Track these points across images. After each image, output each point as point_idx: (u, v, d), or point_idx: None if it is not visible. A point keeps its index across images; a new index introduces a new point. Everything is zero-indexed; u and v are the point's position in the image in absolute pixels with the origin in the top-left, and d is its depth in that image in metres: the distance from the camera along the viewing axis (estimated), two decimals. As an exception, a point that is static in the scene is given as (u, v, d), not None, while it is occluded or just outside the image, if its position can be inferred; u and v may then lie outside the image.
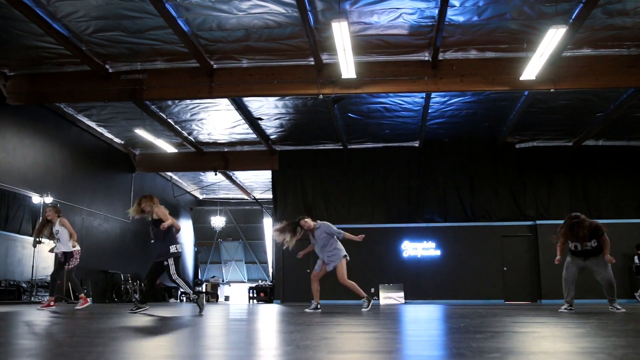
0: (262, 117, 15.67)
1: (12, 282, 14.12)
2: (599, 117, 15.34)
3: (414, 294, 17.20)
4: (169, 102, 14.45)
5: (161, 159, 19.01)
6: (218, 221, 22.99)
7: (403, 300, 16.97)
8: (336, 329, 4.25)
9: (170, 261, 7.61)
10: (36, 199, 14.32)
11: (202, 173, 21.65)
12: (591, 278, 8.89)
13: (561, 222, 17.04)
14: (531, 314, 7.60)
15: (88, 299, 10.01)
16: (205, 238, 24.08)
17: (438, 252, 17.75)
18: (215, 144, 18.15)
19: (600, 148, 17.68)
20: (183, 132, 16.76)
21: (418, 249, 17.80)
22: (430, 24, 10.83)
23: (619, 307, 8.31)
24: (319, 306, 9.12)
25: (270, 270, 22.41)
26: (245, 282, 24.23)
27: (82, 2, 10.03)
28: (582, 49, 11.79)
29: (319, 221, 9.54)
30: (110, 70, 12.80)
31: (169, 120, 15.68)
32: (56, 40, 11.20)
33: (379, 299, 16.95)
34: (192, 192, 24.33)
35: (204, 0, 9.89)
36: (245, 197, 24.87)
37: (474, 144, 17.83)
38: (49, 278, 14.96)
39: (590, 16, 10.17)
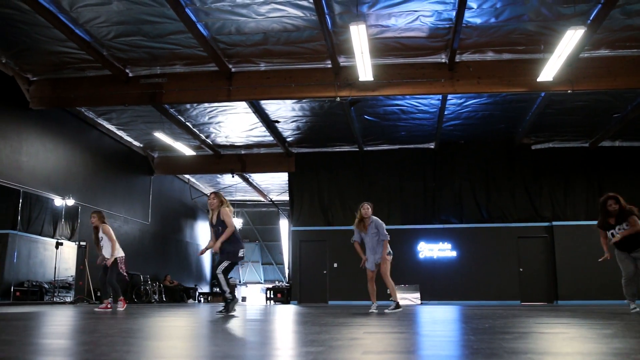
0: (279, 120, 15.69)
1: (34, 283, 14.26)
2: (616, 118, 15.20)
3: (430, 295, 17.13)
4: (187, 106, 14.51)
5: (179, 162, 19.10)
6: (235, 223, 23.06)
7: (419, 301, 16.91)
8: (362, 330, 4.23)
9: (227, 262, 7.59)
10: (58, 201, 14.44)
11: (219, 175, 21.71)
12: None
13: (577, 223, 17.09)
14: (551, 314, 7.53)
15: (111, 304, 9.84)
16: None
17: (454, 253, 17.68)
18: (232, 146, 18.20)
19: (617, 149, 17.51)
20: (201, 135, 16.83)
21: (434, 250, 17.74)
22: (448, 26, 10.79)
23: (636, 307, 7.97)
24: (376, 306, 8.78)
25: (287, 271, 22.42)
26: (262, 283, 24.28)
27: (104, 8, 10.11)
28: (600, 50, 11.69)
29: (373, 216, 8.93)
30: (130, 75, 12.88)
31: (187, 123, 15.75)
32: (78, 45, 11.31)
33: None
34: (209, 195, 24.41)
35: (223, 4, 9.92)
36: (262, 199, 24.92)
37: (489, 145, 17.74)
38: (70, 279, 15.14)
39: (609, 17, 10.09)
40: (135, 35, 11.16)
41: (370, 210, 8.81)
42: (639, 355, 2.54)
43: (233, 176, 19.78)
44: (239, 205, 24.77)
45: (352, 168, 18.51)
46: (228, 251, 7.61)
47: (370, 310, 8.50)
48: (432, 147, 18.05)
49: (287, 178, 19.57)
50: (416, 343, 3.24)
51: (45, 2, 9.86)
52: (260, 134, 16.87)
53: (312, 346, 3.00)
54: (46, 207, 14.60)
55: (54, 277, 14.56)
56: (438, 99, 14.07)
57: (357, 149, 18.29)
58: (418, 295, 17.05)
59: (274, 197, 24.44)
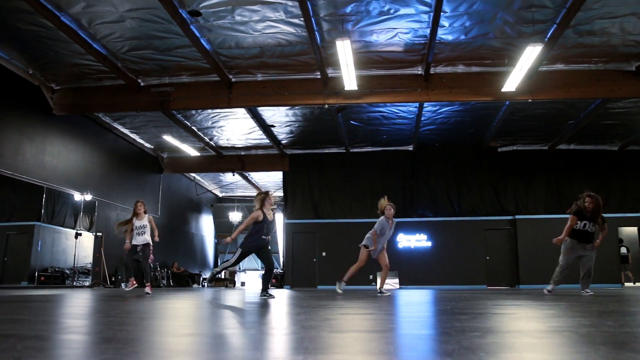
0: (275, 125, 15.74)
1: (57, 269, 14.30)
2: (570, 124, 15.33)
3: (407, 281, 17.23)
4: (193, 112, 14.52)
5: (186, 162, 19.11)
6: (235, 216, 23.11)
7: (398, 286, 16.99)
8: (338, 311, 4.29)
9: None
10: (77, 196, 14.46)
11: (221, 174, 21.73)
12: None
13: (538, 217, 17.22)
14: (510, 297, 7.62)
15: (134, 284, 9.78)
16: (224, 231, 24.18)
17: (429, 244, 17.78)
18: (233, 148, 18.22)
19: (572, 151, 17.66)
20: (205, 137, 16.85)
21: (411, 240, 17.83)
22: (423, 42, 10.88)
23: (590, 292, 8.17)
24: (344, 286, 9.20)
25: (281, 259, 22.46)
26: (259, 269, 24.30)
27: (118, 25, 10.13)
28: (556, 64, 11.81)
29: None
30: (142, 84, 12.89)
31: (192, 127, 15.77)
32: (96, 58, 11.32)
33: (377, 285, 16.98)
34: (212, 191, 24.42)
35: (223, 22, 9.97)
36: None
37: (461, 148, 17.84)
38: (88, 266, 15.15)
39: (563, 36, 10.21)
40: (146, 49, 11.18)
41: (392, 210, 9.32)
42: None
43: (234, 175, 19.81)
44: (239, 200, 24.77)
45: (340, 168, 18.57)
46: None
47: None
48: (411, 149, 18.13)
49: (281, 176, 19.60)
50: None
51: (67, 20, 9.88)
52: (257, 137, 16.91)
53: (289, 326, 3.07)
54: (67, 201, 14.63)
55: (74, 264, 14.59)
56: (415, 107, 14.15)
57: (344, 151, 18.35)
58: (397, 280, 17.14)
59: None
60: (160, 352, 1.91)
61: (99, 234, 15.00)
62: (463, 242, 17.48)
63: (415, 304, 5.79)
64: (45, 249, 14.26)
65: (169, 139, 15.74)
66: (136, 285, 9.82)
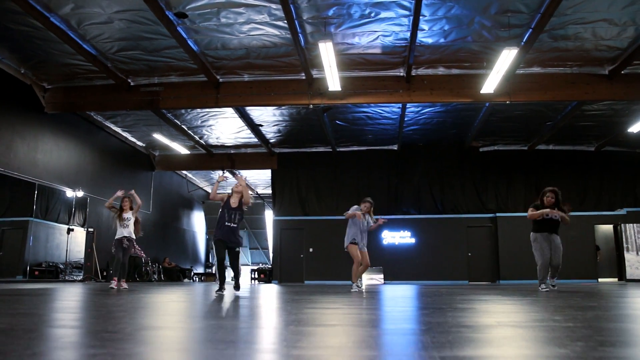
0: (263, 124, 15.73)
1: (51, 264, 14.25)
2: (548, 125, 15.44)
3: (392, 276, 17.28)
4: (182, 111, 14.49)
5: (177, 160, 19.06)
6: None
7: (382, 281, 17.05)
8: (321, 307, 4.27)
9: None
10: (69, 193, 14.40)
11: (212, 172, 21.69)
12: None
13: (517, 214, 17.33)
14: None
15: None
16: (215, 227, 24.18)
17: (413, 240, 17.84)
18: (223, 146, 18.20)
19: (550, 151, 17.79)
20: (195, 136, 16.81)
21: (396, 237, 17.88)
22: (404, 44, 10.91)
23: (554, 286, 7.95)
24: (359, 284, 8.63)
25: (271, 255, 22.48)
26: (249, 265, 24.31)
27: (107, 26, 10.09)
28: (533, 67, 11.89)
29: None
30: (132, 84, 12.85)
31: (182, 126, 15.74)
32: (86, 58, 11.27)
33: (361, 280, 17.03)
34: (204, 188, 24.38)
35: (209, 24, 9.95)
36: (250, 192, 24.90)
37: (444, 147, 17.91)
38: (81, 260, 15.08)
39: (538, 40, 10.28)
40: (135, 49, 11.14)
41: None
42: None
43: (223, 172, 19.74)
44: (230, 197, 24.74)
45: (327, 166, 18.59)
46: (237, 242, 7.21)
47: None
48: (395, 148, 18.19)
49: (270, 174, 19.60)
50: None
51: (56, 21, 9.82)
52: (246, 136, 16.89)
53: (276, 321, 3.09)
54: (61, 198, 14.57)
55: (66, 260, 14.53)
56: (398, 107, 14.19)
57: (331, 150, 18.38)
58: (382, 276, 17.20)
59: (260, 190, 24.47)
60: (149, 346, 1.90)
61: (90, 229, 14.95)
62: (446, 239, 17.55)
63: (390, 298, 5.83)
64: (39, 244, 14.19)
65: (159, 137, 15.69)
66: (123, 285, 9.58)
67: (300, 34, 10.29)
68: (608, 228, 17.05)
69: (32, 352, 1.64)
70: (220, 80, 12.57)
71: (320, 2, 9.24)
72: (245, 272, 23.61)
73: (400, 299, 5.54)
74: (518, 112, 14.47)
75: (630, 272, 15.99)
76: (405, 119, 15.16)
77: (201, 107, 13.44)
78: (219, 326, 2.60)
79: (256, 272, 19.43)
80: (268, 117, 15.08)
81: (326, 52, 9.91)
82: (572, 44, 10.65)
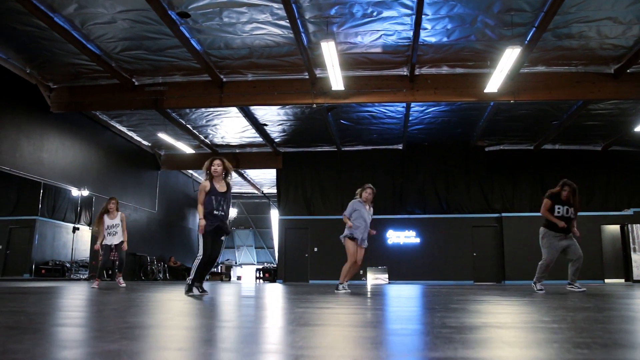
0: (267, 124, 15.75)
1: (57, 262, 14.36)
2: (554, 125, 15.33)
3: (396, 276, 17.26)
4: (187, 110, 14.54)
5: (182, 159, 19.13)
6: (230, 212, 23.15)
7: (387, 281, 17.03)
8: (324, 307, 4.25)
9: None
10: (75, 192, 14.50)
11: (218, 171, 21.68)
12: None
13: (523, 214, 17.24)
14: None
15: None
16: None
17: (418, 240, 17.80)
18: (228, 145, 18.24)
19: (557, 151, 17.68)
20: (200, 135, 16.86)
21: (401, 237, 17.85)
22: (407, 43, 10.87)
23: (579, 286, 7.41)
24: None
25: (276, 254, 22.53)
26: (255, 264, 24.38)
27: (110, 26, 10.14)
28: (538, 66, 11.81)
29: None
30: (136, 83, 12.91)
31: (187, 125, 15.79)
32: (90, 58, 11.33)
33: (366, 280, 17.06)
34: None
35: (212, 23, 9.97)
36: (256, 191, 25.00)
37: (449, 147, 17.85)
38: (88, 259, 15.18)
39: (542, 39, 10.21)
40: (138, 49, 11.19)
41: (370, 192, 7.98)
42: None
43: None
44: (235, 197, 24.81)
45: (332, 165, 18.59)
46: (225, 229, 6.32)
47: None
48: (400, 148, 18.15)
49: (275, 173, 19.62)
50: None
51: (60, 21, 9.89)
52: (251, 135, 16.92)
53: (282, 320, 3.09)
54: (68, 197, 14.68)
55: (71, 258, 14.64)
56: (403, 107, 14.15)
57: (336, 149, 18.37)
58: (386, 275, 17.18)
59: (266, 190, 24.51)
60: (151, 345, 1.91)
61: (95, 228, 15.02)
62: (451, 239, 17.49)
63: (401, 298, 5.81)
64: (46, 243, 14.32)
65: (164, 136, 15.75)
66: (121, 283, 9.56)
67: (302, 34, 10.29)
68: (615, 228, 16.90)
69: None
70: (224, 79, 12.59)
71: (322, 1, 9.23)
72: (250, 272, 23.68)
73: (395, 299, 5.52)
74: (523, 112, 14.38)
75: (637, 273, 15.86)
76: (410, 119, 15.13)
77: (205, 107, 13.47)
78: (225, 327, 2.60)
79: (261, 272, 19.46)
80: (272, 116, 15.09)
81: (328, 51, 9.90)
82: (576, 43, 10.57)
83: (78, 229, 14.82)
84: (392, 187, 18.33)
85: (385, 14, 9.67)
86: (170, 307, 3.99)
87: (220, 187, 6.20)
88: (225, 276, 21.53)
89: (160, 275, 17.84)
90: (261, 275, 19.34)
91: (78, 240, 14.92)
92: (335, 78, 11.07)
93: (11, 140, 11.95)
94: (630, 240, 16.14)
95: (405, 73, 12.18)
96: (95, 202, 15.29)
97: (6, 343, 1.80)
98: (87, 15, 9.74)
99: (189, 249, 22.79)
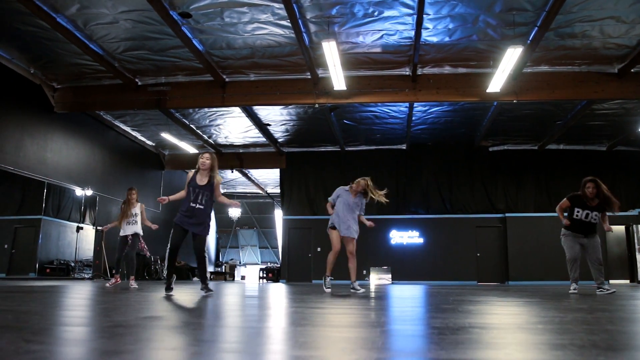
0: (270, 124, 15.77)
1: (62, 262, 14.44)
2: (558, 125, 15.26)
3: (400, 276, 17.24)
4: (190, 110, 14.59)
5: (186, 159, 19.17)
6: (234, 212, 23.18)
7: (390, 281, 17.02)
8: (327, 307, 4.25)
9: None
10: (79, 191, 14.58)
11: (221, 171, 21.75)
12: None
13: (527, 214, 17.17)
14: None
15: (119, 279, 9.62)
16: (225, 226, 24.31)
17: (421, 240, 17.76)
18: (231, 145, 18.27)
19: (561, 151, 17.59)
20: (204, 135, 16.91)
21: (404, 237, 17.83)
22: (409, 43, 10.85)
23: (609, 288, 7.13)
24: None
25: (281, 254, 22.57)
26: (259, 264, 24.42)
27: (113, 26, 10.20)
28: (540, 66, 11.75)
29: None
30: (139, 83, 12.96)
31: (191, 125, 15.84)
32: (93, 58, 11.39)
33: (369, 280, 17.06)
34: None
35: (214, 23, 10.00)
36: (260, 191, 25.03)
37: (453, 147, 17.80)
38: (91, 258, 15.25)
39: (545, 38, 10.16)
40: (141, 49, 11.23)
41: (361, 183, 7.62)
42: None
43: (232, 172, 19.89)
44: (239, 197, 24.85)
45: (335, 165, 18.57)
46: (205, 225, 6.07)
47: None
48: (404, 148, 18.12)
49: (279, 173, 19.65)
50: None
51: (63, 22, 9.95)
52: (255, 135, 16.95)
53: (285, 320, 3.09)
54: (73, 196, 14.77)
55: (75, 258, 14.72)
56: (406, 107, 14.13)
57: (339, 149, 18.36)
58: (390, 275, 17.17)
59: (270, 190, 24.54)
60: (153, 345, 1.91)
61: (99, 227, 15.12)
62: (454, 239, 17.45)
63: (402, 298, 5.80)
64: (50, 242, 14.41)
65: (167, 136, 15.81)
66: (132, 284, 9.61)
67: (304, 33, 10.29)
68: (620, 229, 16.80)
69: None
70: (227, 79, 12.62)
71: (323, 1, 9.23)
72: (254, 272, 23.72)
73: (391, 300, 5.52)
74: (527, 111, 14.32)
75: (642, 274, 15.75)
76: (413, 118, 15.10)
77: (208, 107, 13.52)
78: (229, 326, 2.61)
79: (264, 272, 19.50)
80: (275, 116, 15.11)
81: (330, 51, 9.89)
82: (579, 42, 10.51)
83: (82, 228, 14.90)
84: (395, 187, 18.28)
85: (387, 13, 9.66)
86: (168, 305, 4.01)
87: (201, 180, 6.05)
88: (229, 276, 21.58)
89: (164, 275, 17.89)
90: (264, 275, 19.37)
91: (82, 239, 15.00)
92: (337, 78, 11.07)
93: (15, 140, 12.03)
94: (636, 240, 16.04)
95: (407, 73, 12.16)
96: (99, 201, 15.37)
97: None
98: (89, 15, 9.80)
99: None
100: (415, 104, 13.71)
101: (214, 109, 14.43)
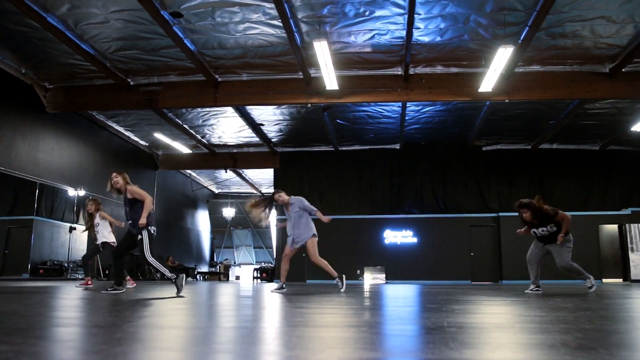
0: (263, 123, 15.75)
1: (55, 262, 14.38)
2: (551, 124, 15.30)
3: (394, 276, 17.25)
4: (184, 110, 14.56)
5: (180, 159, 19.16)
6: (228, 212, 23.16)
7: (384, 281, 17.03)
8: (317, 307, 4.26)
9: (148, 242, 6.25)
10: (71, 192, 14.53)
11: (216, 171, 21.78)
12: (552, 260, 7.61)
13: (520, 214, 17.16)
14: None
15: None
16: (219, 226, 24.28)
17: (415, 240, 17.77)
18: (225, 145, 18.25)
19: (554, 151, 17.64)
20: (197, 135, 16.87)
21: (398, 236, 17.83)
22: (400, 43, 10.86)
23: (592, 284, 7.10)
24: (284, 286, 7.84)
25: (275, 254, 22.56)
26: (253, 264, 24.39)
27: (104, 26, 10.16)
28: (532, 66, 11.78)
29: (293, 196, 8.03)
30: (131, 83, 12.92)
31: (184, 125, 15.80)
32: (84, 58, 11.34)
33: (363, 279, 17.05)
34: (208, 187, 24.49)
35: (205, 23, 9.98)
36: (254, 191, 25.01)
37: (446, 146, 17.82)
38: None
39: (536, 38, 10.18)
40: (133, 49, 11.20)
41: (283, 195, 8.01)
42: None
43: (226, 171, 19.87)
44: (233, 196, 24.83)
45: (329, 165, 18.57)
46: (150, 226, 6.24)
47: (272, 290, 7.77)
48: (397, 147, 18.13)
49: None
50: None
51: (53, 21, 9.91)
52: (248, 135, 16.92)
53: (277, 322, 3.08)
54: (66, 197, 14.71)
55: (68, 258, 14.66)
56: (399, 106, 14.13)
57: (333, 149, 18.36)
58: (384, 275, 17.18)
59: (264, 189, 24.52)
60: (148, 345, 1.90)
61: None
62: (448, 239, 17.47)
63: (394, 298, 5.81)
64: (44, 243, 14.34)
65: (159, 136, 15.77)
66: (135, 284, 9.58)
67: (295, 33, 10.28)
68: (613, 228, 16.86)
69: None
70: (219, 79, 12.60)
71: (314, 1, 9.23)
72: (248, 272, 23.70)
73: (378, 299, 5.52)
74: (520, 111, 14.35)
75: (635, 273, 15.82)
76: (406, 118, 15.11)
77: (200, 107, 13.50)
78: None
79: (258, 272, 19.48)
80: (269, 116, 15.09)
81: (321, 51, 9.89)
82: (570, 42, 10.54)
83: (75, 228, 14.84)
84: (389, 187, 18.33)
85: (378, 13, 9.66)
86: (159, 306, 4.00)
87: (125, 198, 6.47)
88: (223, 276, 21.55)
89: (158, 275, 17.83)
90: (259, 275, 19.35)
91: (75, 240, 14.94)
92: (329, 78, 11.07)
93: (7, 141, 11.99)
94: (628, 239, 16.10)
95: (399, 72, 12.17)
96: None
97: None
98: (80, 15, 9.76)
99: (188, 248, 22.84)
100: (408, 104, 13.72)
101: (207, 109, 14.41)
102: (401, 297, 5.85)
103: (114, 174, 6.58)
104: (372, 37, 10.60)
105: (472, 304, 4.40)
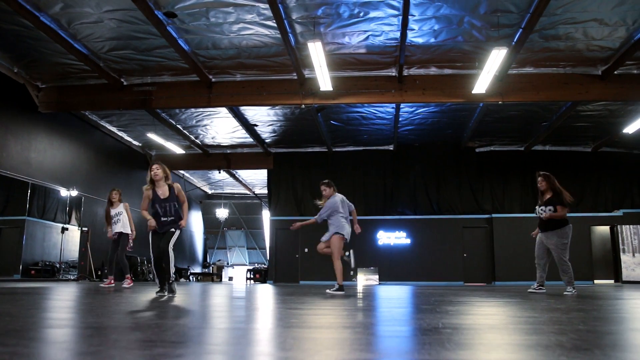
0: (257, 124, 15.73)
1: (47, 263, 14.30)
2: (544, 126, 15.37)
3: (387, 277, 17.27)
4: (177, 111, 14.51)
5: (173, 159, 19.00)
6: (221, 213, 23.11)
7: (378, 282, 17.04)
8: (312, 308, 4.26)
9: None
10: (64, 192, 14.45)
11: (209, 171, 21.72)
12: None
13: (513, 215, 17.29)
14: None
15: (132, 280, 9.58)
16: (212, 227, 24.21)
17: (408, 241, 17.80)
18: (219, 146, 18.20)
19: (547, 152, 17.73)
20: (190, 136, 16.82)
21: (391, 237, 17.85)
22: (395, 44, 10.87)
23: (570, 291, 6.99)
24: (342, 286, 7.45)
25: (268, 255, 22.53)
26: (247, 265, 24.36)
27: (97, 25, 10.11)
28: (526, 68, 11.84)
29: (336, 194, 8.06)
30: (125, 83, 12.86)
31: (177, 126, 15.75)
32: (77, 57, 11.27)
33: (357, 280, 17.06)
34: (202, 188, 24.43)
35: (199, 23, 9.95)
36: (247, 192, 24.97)
37: (440, 147, 17.86)
38: (77, 259, 15.11)
39: (529, 40, 10.23)
40: (126, 49, 11.15)
41: (327, 189, 8.09)
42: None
43: (220, 172, 19.82)
44: (226, 197, 24.77)
45: (323, 166, 18.54)
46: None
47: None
48: (391, 148, 18.15)
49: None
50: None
51: (46, 20, 9.84)
52: (242, 135, 16.89)
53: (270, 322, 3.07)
54: (58, 197, 14.62)
55: (60, 259, 14.58)
56: (393, 107, 14.15)
57: (327, 150, 18.36)
58: (377, 276, 17.20)
59: (258, 190, 24.48)
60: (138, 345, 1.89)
61: (84, 228, 14.99)
62: (441, 240, 17.51)
63: (391, 300, 5.80)
64: (35, 243, 14.24)
65: (153, 137, 15.70)
66: (124, 284, 9.59)
67: (290, 34, 10.28)
68: (605, 229, 16.97)
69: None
70: (213, 80, 12.57)
71: (308, 1, 9.22)
72: (242, 273, 23.67)
73: (367, 299, 5.53)
74: (513, 113, 14.42)
75: (626, 274, 15.92)
76: (400, 119, 15.14)
77: (194, 107, 13.46)
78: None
79: (251, 272, 19.45)
80: (262, 117, 15.07)
81: (316, 51, 9.88)
82: (563, 44, 10.60)
83: (67, 229, 14.76)
84: (383, 188, 18.35)
85: (372, 14, 9.68)
86: (153, 307, 3.98)
87: (161, 192, 6.19)
88: (216, 277, 21.50)
89: (151, 276, 17.78)
90: (252, 276, 19.33)
91: (67, 240, 14.86)
92: (324, 78, 11.06)
93: (-2, 140, 11.90)
94: (620, 241, 16.20)
95: (393, 74, 12.19)
96: (84, 202, 15.24)
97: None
98: (73, 14, 9.70)
99: (181, 249, 22.74)
100: (402, 105, 13.75)
101: (201, 110, 14.37)
102: (395, 298, 5.86)
103: (156, 166, 6.20)
104: (367, 38, 10.62)
105: (466, 305, 4.41)
